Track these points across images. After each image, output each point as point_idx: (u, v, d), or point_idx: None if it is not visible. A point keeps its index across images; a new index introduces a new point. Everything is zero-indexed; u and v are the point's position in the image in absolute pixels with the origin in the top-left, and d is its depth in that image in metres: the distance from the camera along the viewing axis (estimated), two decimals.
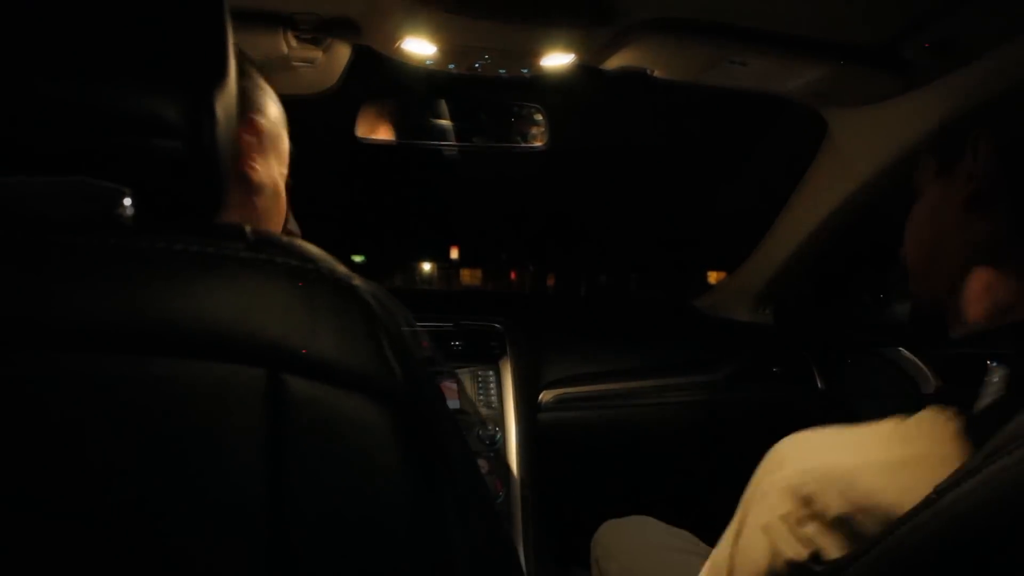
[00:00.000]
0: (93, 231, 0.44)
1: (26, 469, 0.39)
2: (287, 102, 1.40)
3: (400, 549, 0.44)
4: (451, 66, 1.29)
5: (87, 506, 0.39)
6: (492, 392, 1.77)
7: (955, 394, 0.68)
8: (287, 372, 0.42)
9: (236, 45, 0.54)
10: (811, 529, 0.65)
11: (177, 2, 0.49)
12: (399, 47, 1.22)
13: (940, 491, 0.56)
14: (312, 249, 0.47)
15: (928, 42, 1.15)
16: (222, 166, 0.52)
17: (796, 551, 0.65)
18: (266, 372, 0.42)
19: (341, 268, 0.47)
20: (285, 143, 0.92)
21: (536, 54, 1.23)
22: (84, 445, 0.40)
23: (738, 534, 0.72)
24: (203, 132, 0.49)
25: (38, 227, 0.44)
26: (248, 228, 0.47)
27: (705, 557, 0.82)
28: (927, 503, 0.57)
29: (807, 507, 0.65)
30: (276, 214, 0.89)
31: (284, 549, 0.41)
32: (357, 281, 0.47)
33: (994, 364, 0.70)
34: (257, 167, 0.84)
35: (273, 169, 0.88)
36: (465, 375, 1.79)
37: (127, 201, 0.48)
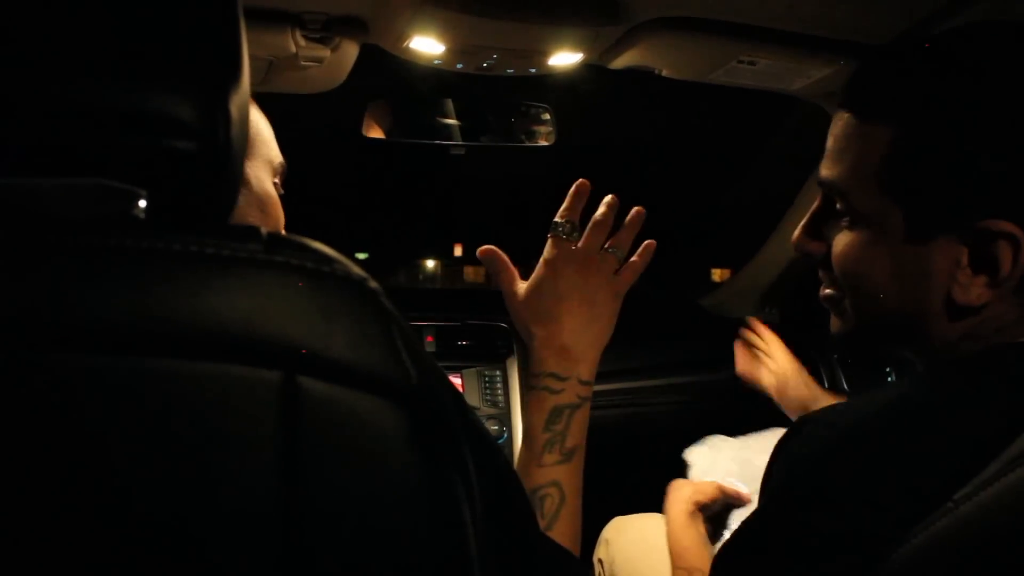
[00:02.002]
0: (107, 232, 0.44)
1: (38, 469, 0.39)
2: (293, 99, 1.39)
3: (415, 549, 0.44)
4: (459, 65, 1.29)
5: (99, 506, 0.39)
6: (499, 391, 1.77)
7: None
8: (302, 374, 0.42)
9: None
10: None
11: (191, 1, 0.49)
12: (407, 46, 1.22)
13: (957, 500, 0.56)
14: (326, 250, 0.47)
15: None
16: (236, 166, 0.52)
17: None
18: (281, 374, 0.42)
19: (356, 269, 0.47)
20: (273, 151, 0.91)
21: (544, 54, 1.23)
22: (97, 446, 0.40)
23: None
24: (218, 132, 0.49)
25: (52, 228, 0.44)
26: (263, 229, 0.47)
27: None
28: (943, 512, 0.56)
29: None
30: (267, 224, 0.87)
31: (299, 550, 0.41)
32: (372, 283, 0.47)
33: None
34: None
35: (261, 173, 0.87)
36: (471, 374, 1.79)
37: (142, 202, 0.48)
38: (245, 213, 0.85)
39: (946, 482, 0.58)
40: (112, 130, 0.47)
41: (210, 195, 0.51)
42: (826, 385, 1.88)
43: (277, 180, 0.91)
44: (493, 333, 1.84)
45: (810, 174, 1.70)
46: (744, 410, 1.89)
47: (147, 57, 0.48)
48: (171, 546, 0.40)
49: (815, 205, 0.77)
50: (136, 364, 0.41)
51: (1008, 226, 0.63)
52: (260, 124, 0.90)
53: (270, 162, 0.90)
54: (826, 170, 0.73)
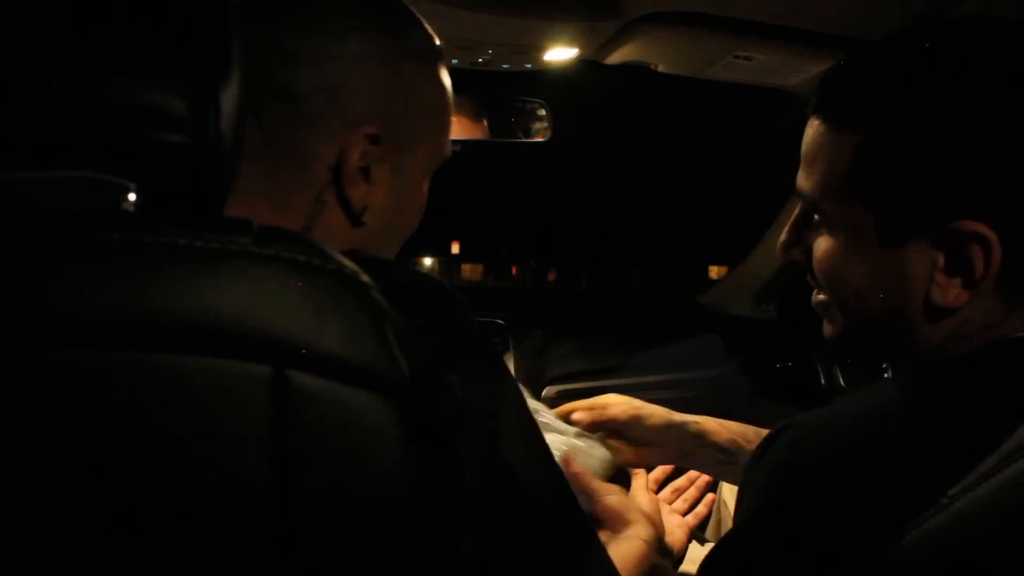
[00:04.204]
0: (97, 225, 0.44)
1: (28, 465, 0.39)
2: None
3: (404, 543, 0.44)
4: (454, 61, 1.29)
5: (89, 501, 0.39)
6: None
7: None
8: (293, 368, 0.42)
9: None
10: None
11: None
12: None
13: (953, 496, 0.55)
14: (319, 244, 0.47)
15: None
16: (228, 159, 0.52)
17: None
18: (271, 368, 0.42)
19: (348, 263, 0.47)
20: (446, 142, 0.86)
21: (540, 49, 1.23)
22: (87, 441, 0.40)
23: None
24: (209, 125, 0.49)
25: (41, 221, 0.44)
26: (255, 222, 0.47)
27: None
28: (938, 508, 0.55)
29: None
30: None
31: (289, 544, 0.41)
32: (364, 276, 0.46)
33: None
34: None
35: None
36: None
37: (131, 195, 0.48)
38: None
39: (938, 481, 0.57)
40: (102, 122, 0.47)
41: (201, 188, 0.51)
42: (823, 381, 1.88)
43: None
44: (490, 329, 1.84)
45: None
46: (743, 405, 1.89)
47: (138, 49, 0.48)
48: (162, 538, 0.40)
49: (796, 212, 0.78)
50: (126, 359, 0.41)
51: (978, 226, 0.62)
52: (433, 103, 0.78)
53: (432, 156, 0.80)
54: (801, 180, 0.74)
